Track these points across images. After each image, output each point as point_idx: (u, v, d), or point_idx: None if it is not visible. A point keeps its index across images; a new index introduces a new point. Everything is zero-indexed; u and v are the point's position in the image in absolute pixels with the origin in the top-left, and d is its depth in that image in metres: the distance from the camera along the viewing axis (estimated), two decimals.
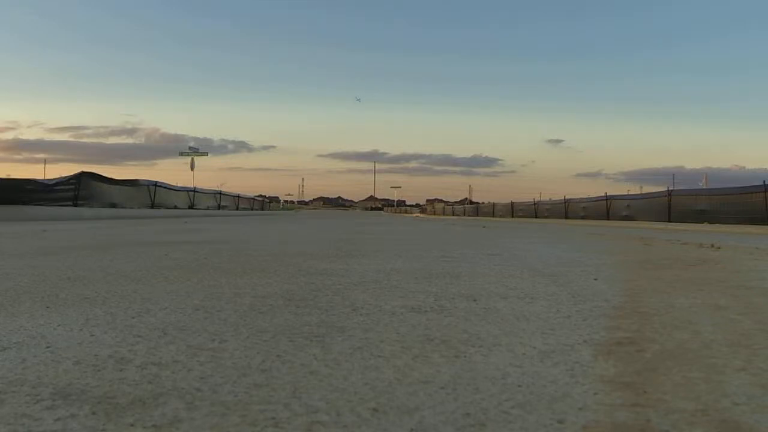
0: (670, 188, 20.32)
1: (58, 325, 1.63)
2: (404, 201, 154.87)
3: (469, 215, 45.63)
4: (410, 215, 67.49)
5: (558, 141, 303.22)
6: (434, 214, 64.92)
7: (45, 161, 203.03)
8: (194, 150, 43.49)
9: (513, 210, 35.99)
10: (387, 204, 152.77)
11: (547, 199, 34.11)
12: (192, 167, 38.35)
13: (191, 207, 27.01)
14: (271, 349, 1.38)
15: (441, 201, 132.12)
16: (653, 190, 22.37)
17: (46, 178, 16.92)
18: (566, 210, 27.89)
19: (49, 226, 9.26)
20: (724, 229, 13.75)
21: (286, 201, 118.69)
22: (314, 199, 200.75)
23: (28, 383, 1.10)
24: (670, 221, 18.56)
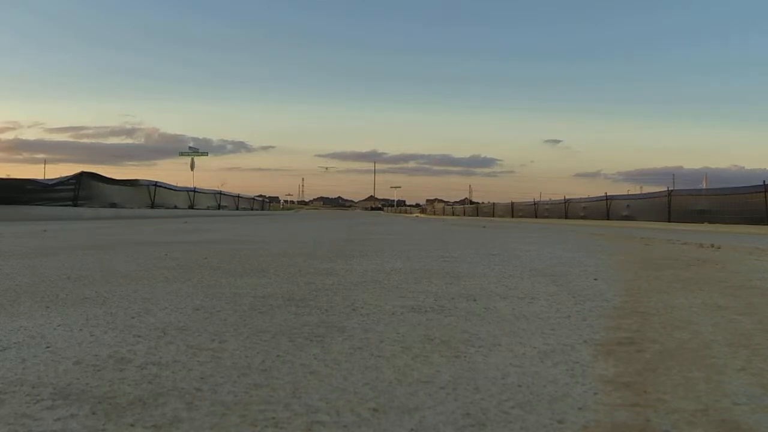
0: (670, 188, 20.32)
1: (58, 325, 1.62)
2: (404, 201, 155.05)
3: (469, 215, 45.59)
4: (410, 215, 67.40)
5: (556, 141, 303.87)
6: (434, 214, 64.86)
7: (45, 161, 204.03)
8: (194, 150, 43.32)
9: (513, 210, 35.96)
10: (387, 204, 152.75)
11: (547, 199, 34.11)
12: (192, 167, 38.29)
13: (191, 207, 27.01)
14: (271, 349, 1.38)
15: (441, 201, 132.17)
16: (653, 190, 22.38)
17: (46, 178, 16.92)
18: (566, 210, 27.87)
19: (49, 226, 9.26)
20: (724, 229, 13.76)
21: (286, 201, 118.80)
22: (314, 199, 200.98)
23: (28, 383, 1.10)
24: (670, 221, 18.57)
